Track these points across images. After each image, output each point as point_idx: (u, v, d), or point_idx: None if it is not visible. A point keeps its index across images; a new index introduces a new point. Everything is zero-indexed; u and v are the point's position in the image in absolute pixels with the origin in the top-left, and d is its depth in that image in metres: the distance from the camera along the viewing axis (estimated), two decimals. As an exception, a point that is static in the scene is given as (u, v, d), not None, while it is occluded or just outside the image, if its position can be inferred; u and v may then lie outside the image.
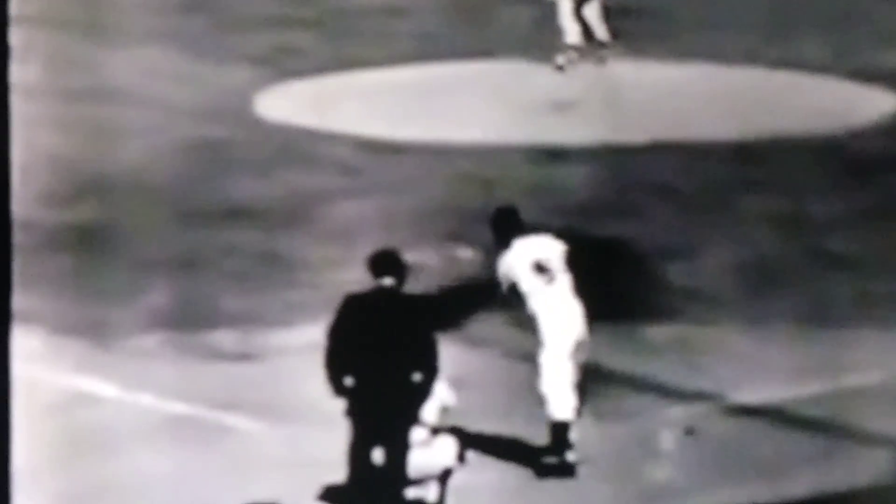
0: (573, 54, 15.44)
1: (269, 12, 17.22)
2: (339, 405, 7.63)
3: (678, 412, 9.09)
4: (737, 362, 9.69)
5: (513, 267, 8.34)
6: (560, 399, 8.43)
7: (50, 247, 11.08)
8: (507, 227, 8.44)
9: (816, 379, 9.50)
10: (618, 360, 9.63)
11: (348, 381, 7.57)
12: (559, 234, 8.68)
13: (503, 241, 8.42)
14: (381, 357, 7.53)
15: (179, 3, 17.15)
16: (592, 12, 15.29)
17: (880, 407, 9.11)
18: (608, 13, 15.50)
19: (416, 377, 7.51)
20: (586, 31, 15.35)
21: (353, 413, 7.58)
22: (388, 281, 7.63)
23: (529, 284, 8.33)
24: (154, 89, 14.79)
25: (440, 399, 8.14)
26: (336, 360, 7.52)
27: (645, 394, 9.28)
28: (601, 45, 15.35)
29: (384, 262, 7.67)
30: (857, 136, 13.86)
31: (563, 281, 8.47)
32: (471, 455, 8.33)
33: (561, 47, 15.45)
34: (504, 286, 8.37)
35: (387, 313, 7.60)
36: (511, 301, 8.43)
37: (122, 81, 14.93)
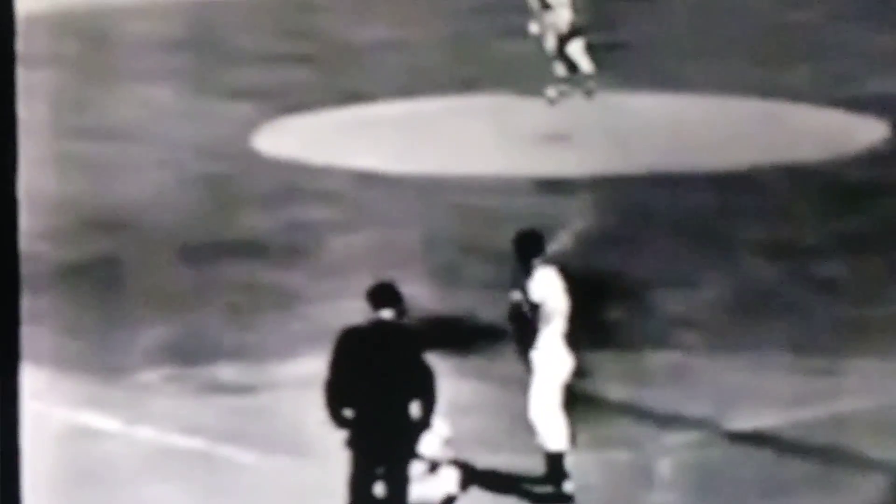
0: (563, 87, 15.63)
1: (268, 49, 17.40)
2: (340, 437, 7.72)
3: (674, 440, 9.19)
4: (732, 389, 9.78)
5: (547, 293, 8.44)
6: (553, 430, 8.54)
7: (55, 283, 11.21)
8: (530, 248, 8.59)
9: (811, 405, 9.59)
10: (613, 388, 9.74)
11: (348, 412, 7.66)
12: (554, 262, 8.81)
13: (524, 262, 8.57)
14: (379, 389, 7.62)
15: (181, 41, 17.35)
16: (576, 47, 15.50)
17: (875, 433, 9.20)
18: (596, 48, 15.70)
19: (415, 409, 7.61)
20: (571, 65, 15.56)
21: (353, 444, 7.67)
22: (386, 313, 7.75)
23: (552, 309, 8.45)
24: (156, 126, 14.96)
25: (440, 432, 8.25)
26: (335, 393, 7.61)
27: (641, 422, 9.38)
28: (587, 77, 15.55)
29: (382, 294, 7.78)
30: (849, 164, 14.00)
31: (562, 316, 8.60)
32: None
33: (551, 81, 15.65)
34: (522, 304, 8.46)
35: (385, 345, 7.70)
36: (524, 326, 8.50)
37: (126, 119, 15.10)
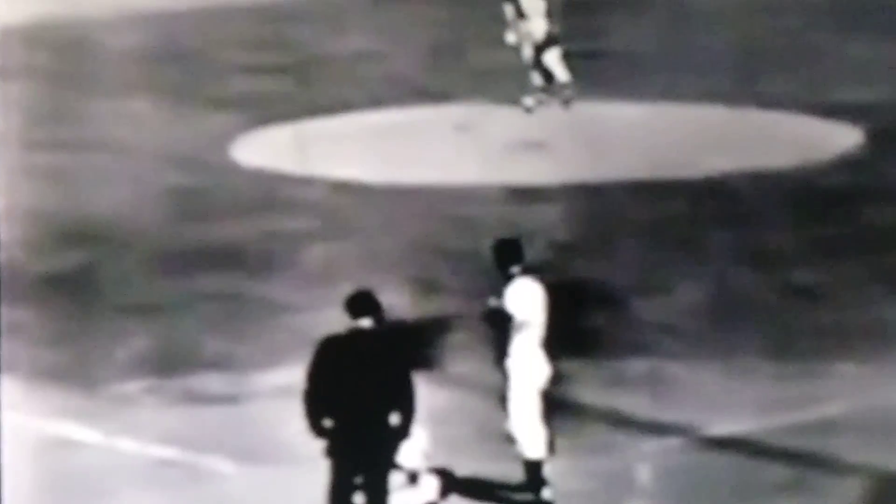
0: (541, 96, 15.70)
1: (245, 60, 17.41)
2: (320, 446, 7.73)
3: (653, 446, 9.23)
4: (708, 395, 9.84)
5: (523, 302, 8.50)
6: (531, 438, 8.58)
7: (33, 294, 11.20)
8: (508, 257, 8.65)
9: (787, 410, 9.65)
10: (591, 394, 9.79)
11: (327, 422, 7.68)
12: (533, 271, 8.86)
13: (502, 270, 8.62)
14: (359, 398, 7.65)
15: (158, 53, 17.34)
16: (553, 56, 15.57)
17: (850, 437, 9.26)
18: (573, 57, 15.77)
19: (395, 418, 7.63)
20: (548, 74, 15.63)
21: (333, 453, 7.69)
22: (365, 322, 7.76)
23: (526, 319, 8.51)
24: (134, 137, 14.96)
25: (419, 441, 8.28)
26: (314, 402, 7.63)
27: (619, 428, 9.42)
28: (564, 86, 15.62)
29: (360, 302, 7.80)
30: (823, 171, 14.10)
31: (537, 323, 8.65)
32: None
33: (528, 90, 15.72)
34: (495, 310, 8.52)
35: (364, 354, 7.72)
36: (499, 332, 8.56)
37: (103, 130, 15.09)
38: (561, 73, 15.68)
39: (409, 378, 7.65)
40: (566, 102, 15.71)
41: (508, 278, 8.61)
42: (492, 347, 8.70)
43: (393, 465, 7.90)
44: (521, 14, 15.65)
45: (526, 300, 8.58)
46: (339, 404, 7.66)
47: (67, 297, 11.37)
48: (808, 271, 11.64)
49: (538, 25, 15.65)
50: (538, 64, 15.66)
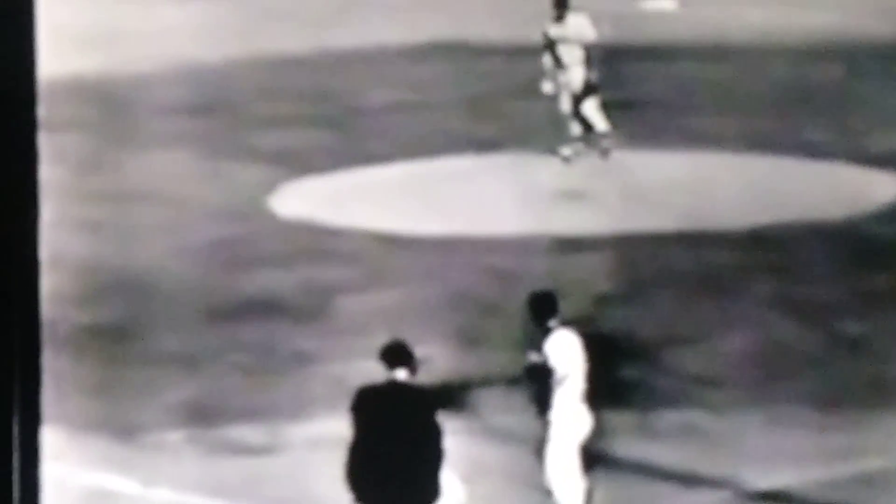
0: (578, 146, 15.67)
1: (284, 111, 17.53)
2: (351, 497, 7.68)
3: (694, 500, 9.10)
4: (752, 448, 9.71)
5: (562, 354, 8.46)
6: (568, 492, 8.48)
7: (74, 344, 11.24)
8: (543, 310, 8.61)
9: (833, 463, 9.51)
10: (631, 448, 9.68)
11: (363, 476, 7.62)
12: (573, 322, 8.81)
13: (539, 323, 8.59)
14: (394, 449, 7.60)
15: (198, 105, 17.49)
16: (592, 105, 15.54)
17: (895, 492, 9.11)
18: (612, 106, 15.74)
19: (428, 468, 7.58)
20: (586, 124, 15.60)
21: (366, 502, 7.63)
22: (400, 373, 7.73)
23: (566, 372, 8.46)
24: (174, 189, 15.05)
25: (455, 494, 8.20)
26: (357, 459, 7.58)
27: (659, 482, 9.30)
28: (603, 136, 15.58)
29: (395, 353, 7.77)
30: (868, 220, 13.97)
31: (580, 376, 8.59)
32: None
33: (566, 139, 15.69)
34: (537, 365, 8.46)
35: (399, 405, 7.69)
36: (540, 387, 8.50)
37: (145, 183, 15.21)
38: (599, 123, 15.65)
39: (438, 428, 7.59)
40: (604, 152, 15.67)
41: (546, 331, 8.56)
42: (534, 402, 8.63)
43: (430, 517, 7.83)
44: (559, 64, 15.66)
45: (565, 353, 8.52)
46: (373, 455, 7.61)
47: (108, 348, 11.40)
48: (852, 322, 11.51)
49: (576, 74, 15.64)
50: (576, 113, 15.64)
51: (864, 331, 11.36)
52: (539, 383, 8.52)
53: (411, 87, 18.14)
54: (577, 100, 15.61)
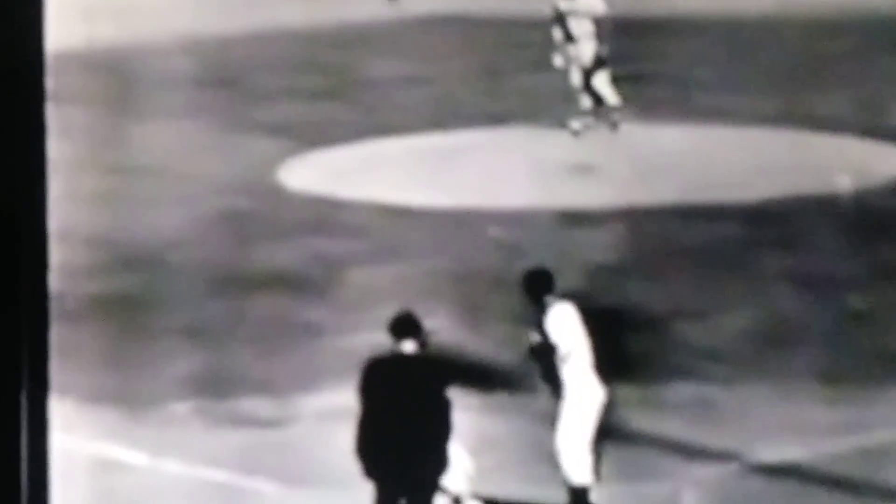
0: (588, 119, 15.65)
1: (292, 84, 17.51)
2: (362, 469, 7.70)
3: (701, 472, 9.13)
4: (759, 421, 9.73)
5: (562, 327, 8.45)
6: (577, 464, 8.50)
7: (83, 317, 11.28)
8: (539, 287, 8.59)
9: (839, 437, 9.52)
10: (639, 420, 9.70)
11: (372, 447, 7.65)
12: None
13: (535, 301, 8.57)
14: (402, 421, 7.63)
15: (207, 78, 17.48)
16: (602, 79, 15.50)
17: (904, 463, 9.12)
18: (622, 79, 15.70)
19: (436, 441, 7.60)
20: (597, 97, 15.57)
21: (376, 476, 7.67)
22: (408, 345, 7.75)
23: (574, 345, 8.45)
24: (183, 162, 15.06)
25: (464, 466, 8.23)
26: (367, 431, 7.60)
27: (667, 454, 9.33)
28: (612, 110, 15.55)
29: (404, 325, 7.78)
30: (876, 194, 13.94)
31: (586, 346, 8.59)
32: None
33: (575, 113, 15.66)
34: (540, 344, 8.47)
35: (408, 377, 7.71)
36: (546, 365, 8.51)
37: (153, 155, 15.22)
38: (609, 97, 15.62)
39: (446, 400, 7.61)
40: (614, 126, 15.64)
41: (542, 307, 8.54)
42: (544, 382, 8.63)
43: (437, 489, 7.86)
44: (569, 37, 15.61)
45: (566, 326, 8.51)
46: (383, 427, 7.64)
47: (117, 320, 11.43)
48: (861, 295, 11.50)
49: (586, 48, 15.60)
50: (587, 87, 15.61)
51: (871, 304, 11.35)
52: (544, 362, 8.51)
53: (418, 60, 18.10)
54: (587, 73, 15.57)
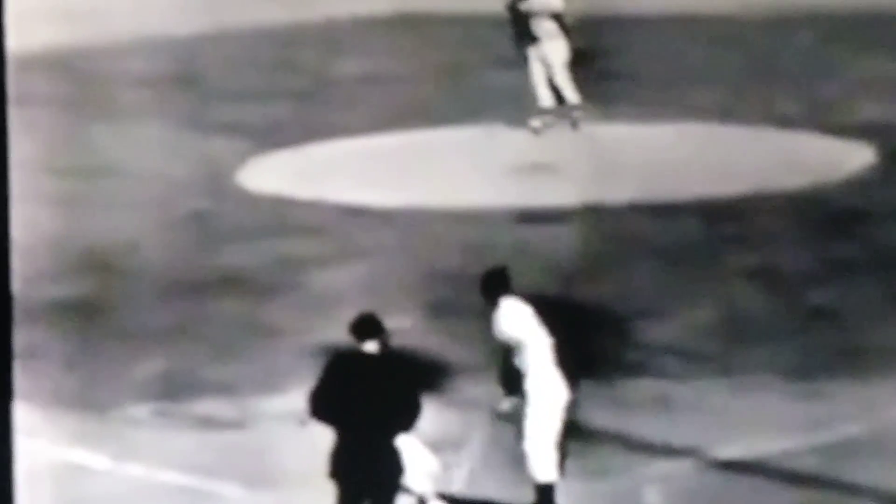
0: (548, 118, 15.71)
1: (254, 84, 17.47)
2: (325, 469, 7.72)
3: (663, 468, 9.18)
4: (718, 417, 9.79)
5: (514, 323, 8.49)
6: (543, 461, 8.54)
7: (45, 320, 11.23)
8: (496, 286, 8.63)
9: (799, 432, 9.60)
10: (600, 417, 9.74)
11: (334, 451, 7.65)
12: (541, 295, 8.84)
13: (492, 300, 8.61)
14: (365, 420, 7.64)
15: (169, 78, 17.42)
16: (562, 77, 15.57)
17: (864, 459, 9.20)
18: (581, 77, 15.77)
19: (399, 439, 7.62)
20: (558, 95, 15.63)
21: (338, 477, 7.68)
22: (370, 346, 7.76)
23: (529, 340, 8.50)
24: (145, 163, 15.01)
25: (427, 465, 8.25)
26: (319, 398, 7.60)
27: (629, 450, 9.38)
28: (573, 107, 15.62)
29: (366, 326, 7.80)
30: (835, 190, 14.05)
31: (545, 343, 8.63)
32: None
33: (536, 111, 15.72)
34: (501, 342, 8.51)
35: (371, 377, 7.72)
36: (505, 361, 8.55)
37: (114, 156, 15.16)
38: (571, 95, 15.68)
39: (414, 401, 7.64)
40: (574, 124, 15.70)
41: (498, 307, 8.58)
42: (500, 383, 8.67)
43: (400, 489, 7.87)
44: (531, 37, 15.65)
45: (517, 321, 8.55)
46: (345, 425, 7.65)
47: (78, 323, 11.39)
48: (821, 292, 11.59)
49: (551, 46, 15.65)
50: (548, 85, 15.66)
51: (832, 300, 11.43)
52: (503, 364, 8.55)
53: (380, 59, 18.09)
54: (549, 71, 15.63)
